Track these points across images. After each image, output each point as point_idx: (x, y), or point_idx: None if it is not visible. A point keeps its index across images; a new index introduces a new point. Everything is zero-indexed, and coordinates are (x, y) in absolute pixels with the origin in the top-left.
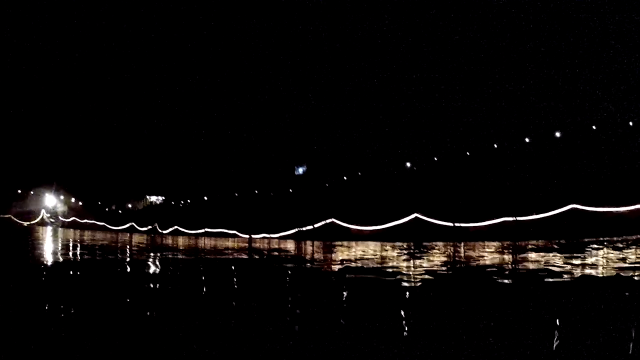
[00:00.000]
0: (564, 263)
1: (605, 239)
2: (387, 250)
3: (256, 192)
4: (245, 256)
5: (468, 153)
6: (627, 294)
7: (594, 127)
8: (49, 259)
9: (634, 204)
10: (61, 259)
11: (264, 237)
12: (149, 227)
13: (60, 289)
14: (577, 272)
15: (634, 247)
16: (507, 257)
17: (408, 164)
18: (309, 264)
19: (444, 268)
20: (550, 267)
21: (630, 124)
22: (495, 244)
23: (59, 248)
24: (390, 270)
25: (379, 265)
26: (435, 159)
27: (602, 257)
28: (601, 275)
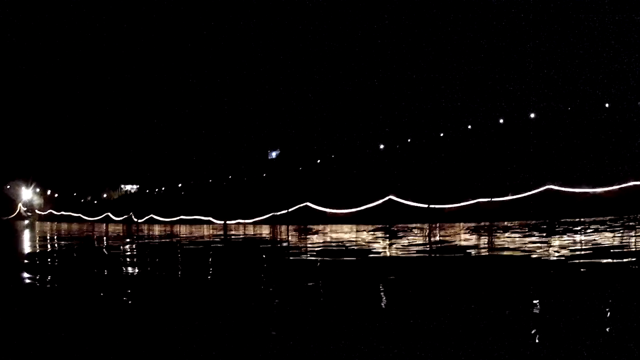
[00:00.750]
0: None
1: (581, 219)
2: (361, 232)
3: (230, 177)
4: (219, 244)
5: (442, 134)
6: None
7: (568, 109)
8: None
9: (610, 185)
10: (35, 251)
11: (238, 223)
12: (125, 216)
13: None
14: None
15: (606, 227)
16: (476, 238)
17: (382, 146)
18: (281, 249)
19: (416, 249)
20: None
21: (607, 105)
22: (470, 224)
23: (34, 241)
24: (362, 250)
25: (346, 248)
26: (409, 140)
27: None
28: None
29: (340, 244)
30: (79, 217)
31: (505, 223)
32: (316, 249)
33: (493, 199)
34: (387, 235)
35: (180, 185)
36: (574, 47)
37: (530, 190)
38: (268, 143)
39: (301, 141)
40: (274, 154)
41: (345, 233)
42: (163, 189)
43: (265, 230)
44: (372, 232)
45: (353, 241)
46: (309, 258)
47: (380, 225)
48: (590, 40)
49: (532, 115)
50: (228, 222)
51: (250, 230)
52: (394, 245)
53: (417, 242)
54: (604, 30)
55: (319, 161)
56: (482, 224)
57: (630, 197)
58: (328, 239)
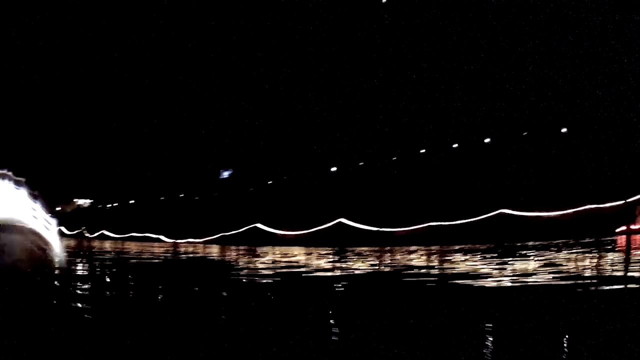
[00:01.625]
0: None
1: (536, 243)
2: (309, 255)
3: (181, 196)
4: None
5: (395, 158)
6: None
7: (524, 134)
8: None
9: (565, 209)
10: None
11: (189, 242)
12: (77, 231)
13: None
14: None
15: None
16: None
17: (334, 169)
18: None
19: (360, 271)
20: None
21: (564, 130)
22: (420, 248)
23: None
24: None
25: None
26: (362, 163)
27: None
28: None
29: (277, 265)
30: None
31: (456, 247)
32: (261, 271)
33: (444, 223)
34: (334, 258)
35: (132, 201)
36: (530, 69)
37: (482, 215)
38: (220, 162)
39: (253, 161)
40: (226, 174)
41: (291, 256)
42: (115, 204)
43: (214, 250)
44: (318, 254)
45: (294, 262)
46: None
47: (329, 248)
48: (539, 64)
49: (487, 140)
50: (178, 241)
51: (200, 250)
52: (337, 266)
53: (360, 265)
54: (554, 54)
55: (270, 182)
56: (432, 248)
57: (585, 220)
58: (269, 261)
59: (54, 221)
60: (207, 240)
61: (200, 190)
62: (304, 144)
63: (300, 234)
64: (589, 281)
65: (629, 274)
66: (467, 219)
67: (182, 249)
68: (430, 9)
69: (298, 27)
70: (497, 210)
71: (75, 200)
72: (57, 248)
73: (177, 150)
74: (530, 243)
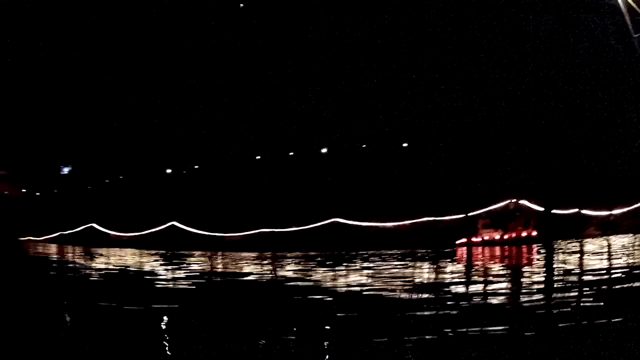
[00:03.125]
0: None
1: (367, 252)
2: (137, 258)
3: (23, 191)
4: None
5: (230, 163)
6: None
7: (363, 146)
8: None
9: (401, 220)
10: None
11: (29, 240)
12: None
13: None
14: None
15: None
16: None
17: (168, 170)
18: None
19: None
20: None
21: (405, 145)
22: (252, 254)
23: None
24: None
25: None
26: (197, 167)
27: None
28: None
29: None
30: None
31: (287, 253)
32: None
33: (275, 230)
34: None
35: None
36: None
37: (315, 223)
38: (61, 157)
39: (93, 158)
40: (66, 170)
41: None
42: None
43: (52, 249)
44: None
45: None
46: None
47: (161, 251)
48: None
49: (324, 150)
50: (18, 239)
51: (40, 249)
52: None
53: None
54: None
55: (107, 181)
56: (264, 253)
57: (424, 231)
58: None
59: None
60: (47, 238)
61: (41, 187)
62: (143, 143)
63: (133, 236)
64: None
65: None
66: (299, 226)
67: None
68: None
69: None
70: (330, 219)
71: None
72: None
73: (18, 144)
74: (364, 252)
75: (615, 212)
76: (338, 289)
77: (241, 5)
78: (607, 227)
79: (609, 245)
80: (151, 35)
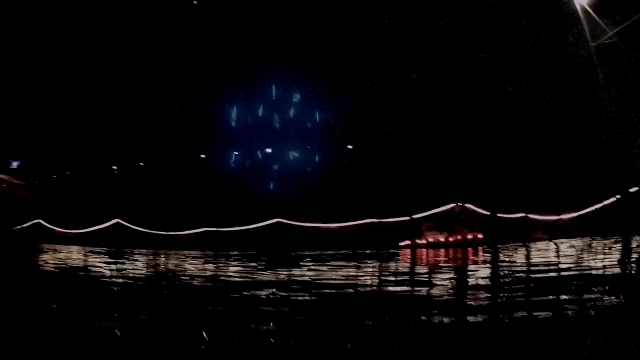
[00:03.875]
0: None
1: (309, 252)
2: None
3: None
4: None
5: (176, 161)
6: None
7: (308, 147)
8: None
9: (345, 222)
10: None
11: None
12: None
13: None
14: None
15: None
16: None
17: (114, 167)
18: None
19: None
20: None
21: (350, 147)
22: (195, 252)
23: None
24: None
25: None
26: (142, 164)
27: None
28: None
29: None
30: None
31: (231, 252)
32: None
33: (219, 229)
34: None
35: None
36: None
37: (258, 223)
38: (10, 152)
39: (42, 153)
40: (15, 164)
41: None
42: None
43: None
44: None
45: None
46: None
47: (105, 248)
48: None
49: (269, 150)
50: None
51: None
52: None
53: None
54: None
55: (54, 176)
56: (208, 252)
57: (368, 233)
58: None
59: None
60: None
61: None
62: (91, 139)
63: (78, 233)
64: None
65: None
66: (241, 226)
67: None
68: None
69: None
70: (274, 219)
71: None
72: None
73: None
74: (307, 252)
75: (564, 216)
76: (270, 289)
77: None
78: (555, 232)
79: (554, 249)
80: (89, 30)
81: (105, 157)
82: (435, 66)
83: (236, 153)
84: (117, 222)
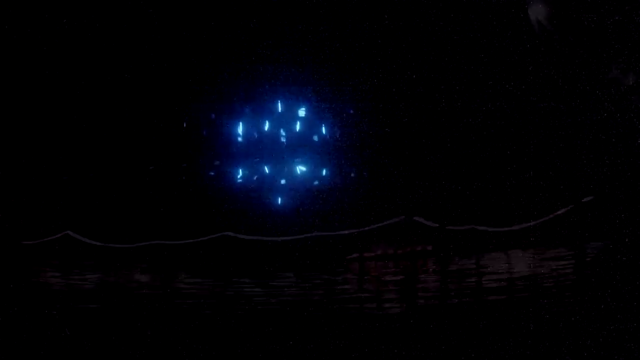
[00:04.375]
0: None
1: (254, 266)
2: None
3: None
4: None
5: (127, 172)
6: None
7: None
8: None
9: (290, 235)
10: None
11: None
12: None
13: None
14: None
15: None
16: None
17: (64, 177)
18: None
19: None
20: None
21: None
22: (143, 266)
23: None
24: None
25: None
26: (91, 174)
27: None
28: None
29: None
30: None
31: (176, 265)
32: None
33: (168, 242)
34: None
35: None
36: None
37: (207, 236)
38: None
39: None
40: None
41: None
42: None
43: None
44: None
45: None
46: None
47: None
48: None
49: (217, 163)
50: None
51: None
52: None
53: None
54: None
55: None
56: (155, 266)
57: (312, 246)
58: None
59: None
60: None
61: None
62: (44, 147)
63: (28, 245)
64: None
65: None
66: (191, 239)
67: None
68: None
69: None
70: (221, 232)
71: None
72: None
73: None
74: (252, 265)
75: (516, 227)
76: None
77: None
78: (507, 243)
79: (505, 259)
80: (50, 32)
81: (56, 166)
82: (382, 73)
83: (184, 165)
84: (67, 234)
